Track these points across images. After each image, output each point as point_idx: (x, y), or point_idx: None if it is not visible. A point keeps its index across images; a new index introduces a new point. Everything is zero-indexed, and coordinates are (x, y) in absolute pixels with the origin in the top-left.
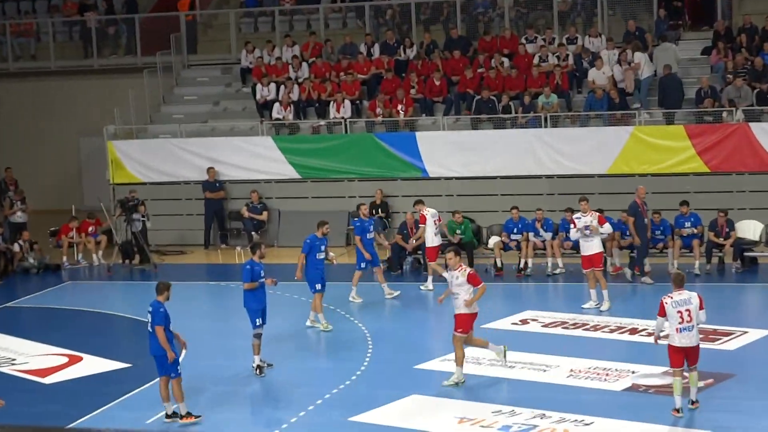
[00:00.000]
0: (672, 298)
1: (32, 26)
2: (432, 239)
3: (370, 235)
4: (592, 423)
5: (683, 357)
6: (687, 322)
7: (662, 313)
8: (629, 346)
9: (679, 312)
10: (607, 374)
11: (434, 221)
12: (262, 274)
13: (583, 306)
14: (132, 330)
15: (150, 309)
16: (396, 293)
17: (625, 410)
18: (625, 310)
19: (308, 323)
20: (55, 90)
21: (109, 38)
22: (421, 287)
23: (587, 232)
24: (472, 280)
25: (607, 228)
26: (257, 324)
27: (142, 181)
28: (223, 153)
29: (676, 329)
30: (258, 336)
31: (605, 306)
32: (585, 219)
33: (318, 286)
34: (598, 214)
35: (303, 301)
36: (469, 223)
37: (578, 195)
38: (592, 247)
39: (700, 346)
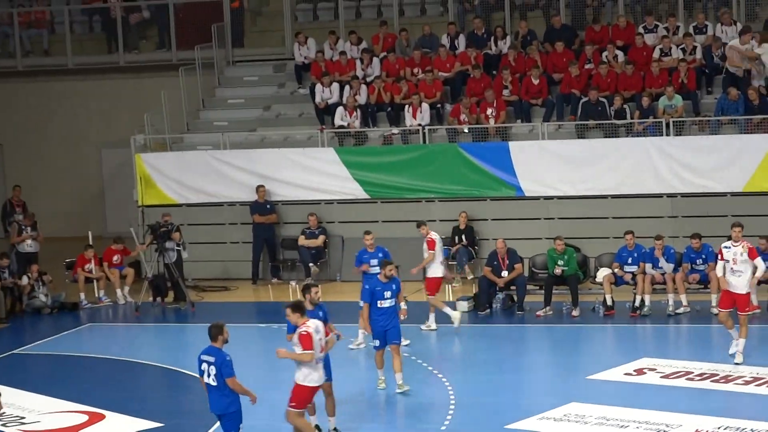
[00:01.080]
0: None
1: (45, 15)
2: (437, 269)
3: (374, 269)
4: None
5: None
6: None
7: None
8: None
9: None
10: None
11: (441, 247)
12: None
13: (731, 352)
14: (164, 382)
15: (209, 359)
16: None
17: None
18: (765, 357)
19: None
20: (72, 92)
21: (138, 30)
22: (422, 327)
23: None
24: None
25: (760, 264)
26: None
27: (177, 202)
28: (275, 168)
29: None
30: None
31: (738, 359)
32: (735, 249)
33: (377, 343)
34: (749, 245)
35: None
36: (574, 252)
37: (707, 218)
38: (740, 285)
39: None
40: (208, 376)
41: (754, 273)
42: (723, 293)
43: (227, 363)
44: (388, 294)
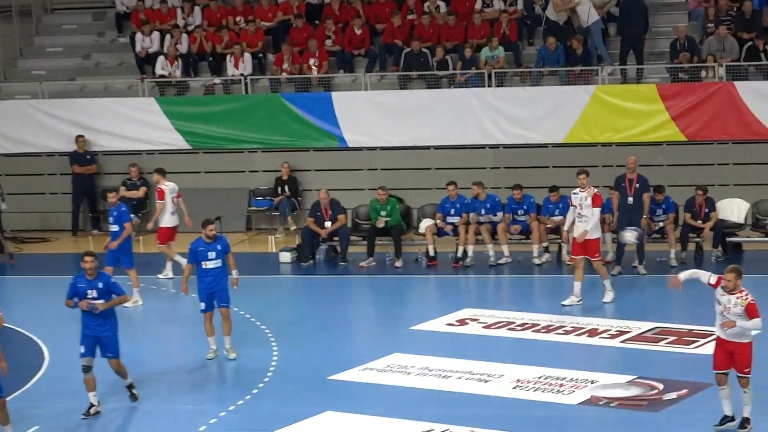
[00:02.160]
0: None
1: None
2: (168, 219)
3: (113, 227)
4: None
5: None
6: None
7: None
8: (588, 351)
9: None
10: (561, 385)
11: (173, 198)
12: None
13: (563, 303)
14: None
15: None
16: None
17: (582, 428)
18: (587, 308)
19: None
20: None
21: None
22: (159, 276)
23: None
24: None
25: (595, 213)
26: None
27: None
28: (96, 118)
29: None
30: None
31: (609, 297)
32: (581, 195)
33: (202, 306)
34: (595, 191)
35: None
36: (397, 202)
37: (528, 168)
38: (588, 230)
39: (673, 351)
40: None
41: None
42: (573, 241)
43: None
44: (212, 255)
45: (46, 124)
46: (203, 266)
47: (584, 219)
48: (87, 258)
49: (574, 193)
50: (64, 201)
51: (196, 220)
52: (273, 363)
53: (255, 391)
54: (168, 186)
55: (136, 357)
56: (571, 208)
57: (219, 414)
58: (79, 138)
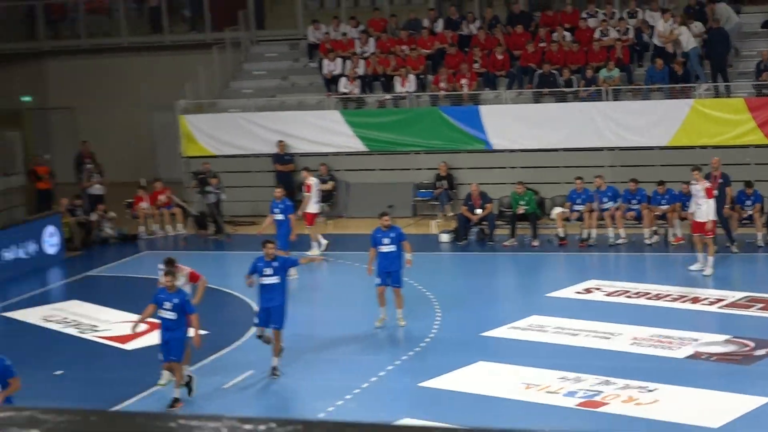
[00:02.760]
0: None
1: (105, 3)
2: (313, 206)
3: (278, 216)
4: (655, 389)
5: None
6: None
7: None
8: (692, 315)
9: None
10: (670, 342)
11: (318, 189)
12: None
13: (690, 268)
14: (208, 298)
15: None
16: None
17: (687, 377)
18: (688, 278)
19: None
20: (128, 66)
21: (178, 15)
22: (308, 253)
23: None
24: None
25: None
26: (255, 323)
27: (213, 154)
28: (292, 126)
29: None
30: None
31: (708, 271)
32: (696, 187)
33: (378, 280)
34: (707, 184)
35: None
36: (533, 194)
37: (639, 167)
38: (701, 215)
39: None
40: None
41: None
42: (692, 222)
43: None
44: (386, 241)
45: (253, 131)
46: (379, 249)
47: (700, 206)
48: (269, 245)
49: (692, 185)
50: (268, 192)
51: (374, 210)
52: (436, 323)
53: (422, 344)
54: (313, 181)
55: (319, 321)
56: (692, 197)
57: (394, 362)
58: (279, 142)
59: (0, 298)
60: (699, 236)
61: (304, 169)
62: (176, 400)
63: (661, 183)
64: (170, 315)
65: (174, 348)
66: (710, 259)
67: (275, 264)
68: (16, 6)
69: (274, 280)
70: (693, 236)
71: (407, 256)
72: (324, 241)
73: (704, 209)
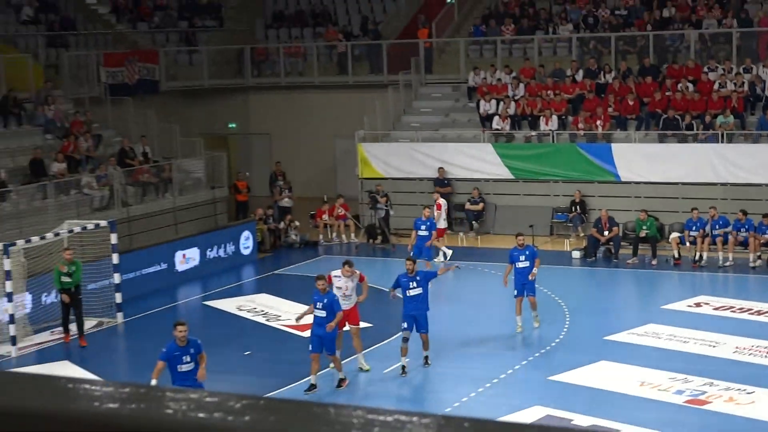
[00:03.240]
0: None
1: (300, 49)
2: (442, 223)
3: (422, 232)
4: (753, 392)
5: None
6: None
7: None
8: None
9: None
10: (767, 352)
11: (444, 209)
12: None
13: None
14: (375, 297)
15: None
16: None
17: None
18: None
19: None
20: (316, 100)
21: (361, 60)
22: (435, 261)
23: None
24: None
25: None
26: (403, 327)
27: (384, 177)
28: (451, 156)
29: None
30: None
31: None
32: None
33: (515, 292)
34: None
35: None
36: (654, 220)
37: (748, 201)
38: None
39: None
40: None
41: None
42: None
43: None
44: (522, 257)
45: (419, 159)
46: (516, 266)
47: None
48: (409, 263)
49: None
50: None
51: (517, 228)
52: (565, 326)
53: (553, 344)
54: (443, 201)
55: (465, 320)
56: None
57: (527, 358)
58: (440, 169)
59: (202, 289)
60: None
61: (436, 191)
62: (342, 380)
63: (766, 215)
64: (321, 313)
65: (327, 342)
66: None
67: (418, 278)
68: (228, 49)
69: (418, 291)
70: None
71: (534, 270)
72: (449, 252)
73: None
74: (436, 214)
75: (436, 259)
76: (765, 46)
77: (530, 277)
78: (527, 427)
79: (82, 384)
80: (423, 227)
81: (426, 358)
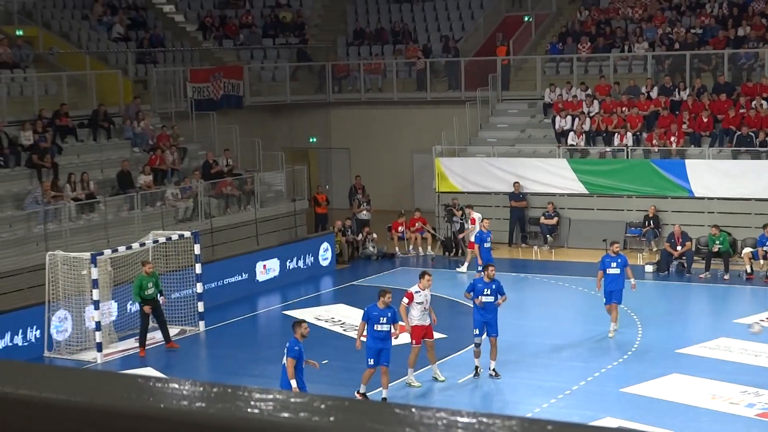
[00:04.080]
0: None
1: (380, 66)
2: (473, 236)
3: (487, 245)
4: None
5: None
6: None
7: None
8: None
9: None
10: None
11: (479, 223)
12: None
13: None
14: (449, 308)
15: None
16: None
17: None
18: None
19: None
20: (395, 116)
21: (439, 76)
22: (458, 269)
23: None
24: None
25: None
26: (475, 334)
27: (461, 191)
28: (527, 171)
29: None
30: (477, 345)
31: None
32: None
33: (604, 300)
34: None
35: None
36: (726, 235)
37: None
38: None
39: None
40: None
41: None
42: None
43: (292, 350)
44: (614, 264)
45: (495, 173)
46: (607, 272)
47: None
48: (490, 268)
49: None
50: (503, 224)
51: (591, 242)
52: (638, 339)
53: (626, 356)
54: (477, 215)
55: (540, 331)
56: None
57: (600, 369)
58: (515, 183)
59: (282, 298)
60: None
61: (468, 206)
62: (384, 400)
63: None
64: (385, 327)
65: (386, 354)
66: None
67: (493, 286)
68: (311, 66)
69: (491, 299)
70: None
71: (632, 280)
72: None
73: None
74: (469, 227)
75: (459, 268)
76: None
77: (632, 288)
78: (610, 430)
79: (169, 383)
80: (489, 239)
81: (494, 370)
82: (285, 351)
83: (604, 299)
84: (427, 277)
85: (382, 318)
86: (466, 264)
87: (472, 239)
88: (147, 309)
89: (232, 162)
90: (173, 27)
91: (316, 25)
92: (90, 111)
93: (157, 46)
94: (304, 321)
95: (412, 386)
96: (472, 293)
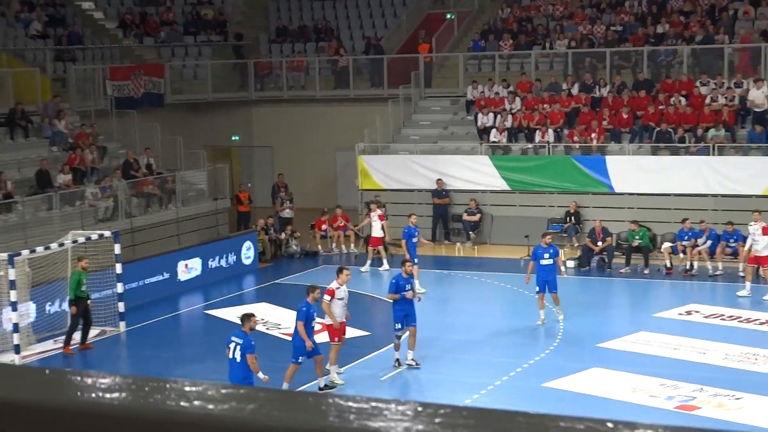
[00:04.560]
0: None
1: (303, 63)
2: (377, 232)
3: (414, 240)
4: (741, 398)
5: None
6: None
7: None
8: None
9: None
10: (756, 359)
11: (377, 217)
12: (407, 287)
13: (738, 294)
14: (372, 305)
15: (237, 340)
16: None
17: None
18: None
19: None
20: (318, 114)
21: (362, 74)
22: (361, 269)
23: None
24: None
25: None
26: (397, 328)
27: (384, 188)
28: (449, 168)
29: None
30: (398, 337)
31: (744, 292)
32: (755, 226)
33: (537, 288)
34: (763, 224)
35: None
36: (647, 230)
37: (738, 211)
38: (759, 249)
39: None
40: (233, 352)
41: None
42: (749, 256)
43: (251, 346)
44: (546, 255)
45: (418, 171)
46: (540, 263)
47: (757, 242)
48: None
49: (750, 225)
50: (427, 221)
51: (514, 239)
52: (559, 334)
53: (547, 351)
54: (377, 211)
55: (461, 327)
56: (750, 235)
57: (522, 365)
58: (438, 180)
59: (204, 298)
60: (752, 267)
61: (374, 201)
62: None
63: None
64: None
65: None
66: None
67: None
68: (233, 63)
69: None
70: (746, 266)
71: (562, 268)
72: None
73: (761, 244)
74: (366, 221)
75: (362, 268)
76: (746, 61)
77: (563, 275)
78: (498, 412)
79: (86, 377)
80: (416, 235)
81: (414, 360)
82: (242, 350)
83: (537, 288)
84: (345, 272)
85: (316, 314)
86: (368, 263)
87: (374, 234)
88: (74, 310)
89: (154, 161)
90: (92, 24)
91: (238, 23)
92: (7, 110)
93: (76, 43)
94: (316, 287)
95: (336, 384)
96: (395, 293)
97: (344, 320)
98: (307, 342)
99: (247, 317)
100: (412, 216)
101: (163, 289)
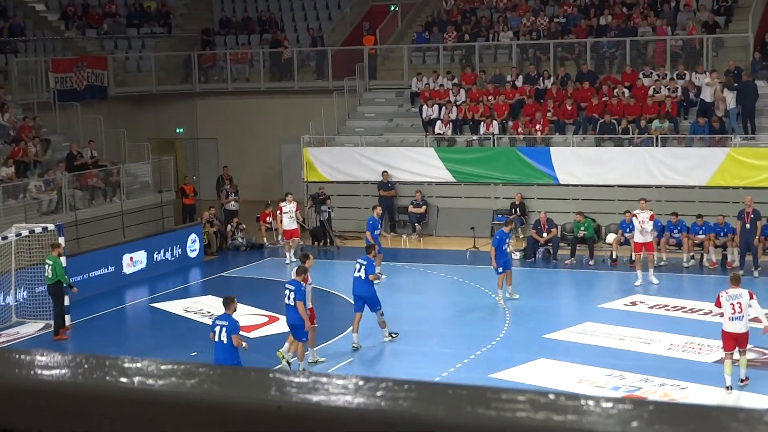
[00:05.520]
0: (728, 293)
1: (247, 55)
2: (288, 224)
3: (377, 231)
4: (686, 387)
5: (734, 342)
6: (738, 313)
7: (718, 304)
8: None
9: (731, 305)
10: (700, 349)
11: (289, 211)
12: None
13: (636, 284)
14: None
15: (222, 323)
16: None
17: (714, 378)
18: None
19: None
20: (263, 106)
21: (306, 66)
22: (287, 262)
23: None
24: None
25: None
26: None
27: (329, 180)
28: (395, 160)
29: (729, 318)
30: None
31: (656, 281)
32: (643, 215)
33: (500, 269)
34: (651, 212)
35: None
36: (591, 222)
37: (681, 202)
38: (646, 237)
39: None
40: (219, 335)
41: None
42: (635, 243)
43: (237, 327)
44: (508, 240)
45: (363, 163)
46: (504, 248)
47: (646, 230)
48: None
49: (638, 213)
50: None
51: (459, 230)
52: (506, 325)
53: (493, 342)
54: (287, 206)
55: (408, 319)
56: (636, 223)
57: (469, 356)
58: (384, 172)
59: (149, 291)
60: (639, 254)
61: (288, 194)
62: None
63: (699, 216)
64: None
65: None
66: (651, 270)
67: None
68: (176, 56)
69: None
70: (636, 255)
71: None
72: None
73: (648, 231)
74: (279, 216)
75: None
76: (660, 54)
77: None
78: (441, 385)
79: (24, 354)
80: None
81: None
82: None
83: (500, 269)
84: (311, 257)
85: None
86: (288, 254)
87: (287, 228)
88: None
89: (97, 153)
90: (34, 16)
91: (181, 15)
92: None
93: (18, 35)
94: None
95: (319, 362)
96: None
97: (311, 305)
98: (307, 323)
99: (230, 300)
100: (377, 207)
101: (108, 282)
